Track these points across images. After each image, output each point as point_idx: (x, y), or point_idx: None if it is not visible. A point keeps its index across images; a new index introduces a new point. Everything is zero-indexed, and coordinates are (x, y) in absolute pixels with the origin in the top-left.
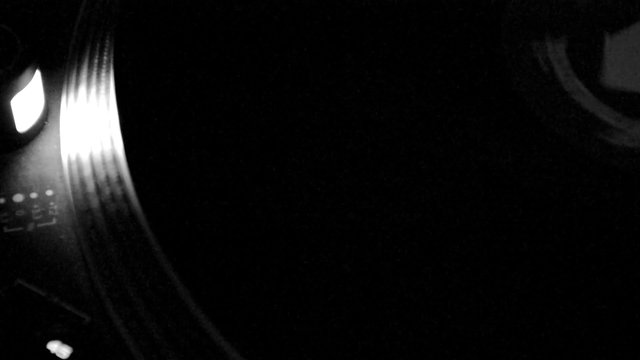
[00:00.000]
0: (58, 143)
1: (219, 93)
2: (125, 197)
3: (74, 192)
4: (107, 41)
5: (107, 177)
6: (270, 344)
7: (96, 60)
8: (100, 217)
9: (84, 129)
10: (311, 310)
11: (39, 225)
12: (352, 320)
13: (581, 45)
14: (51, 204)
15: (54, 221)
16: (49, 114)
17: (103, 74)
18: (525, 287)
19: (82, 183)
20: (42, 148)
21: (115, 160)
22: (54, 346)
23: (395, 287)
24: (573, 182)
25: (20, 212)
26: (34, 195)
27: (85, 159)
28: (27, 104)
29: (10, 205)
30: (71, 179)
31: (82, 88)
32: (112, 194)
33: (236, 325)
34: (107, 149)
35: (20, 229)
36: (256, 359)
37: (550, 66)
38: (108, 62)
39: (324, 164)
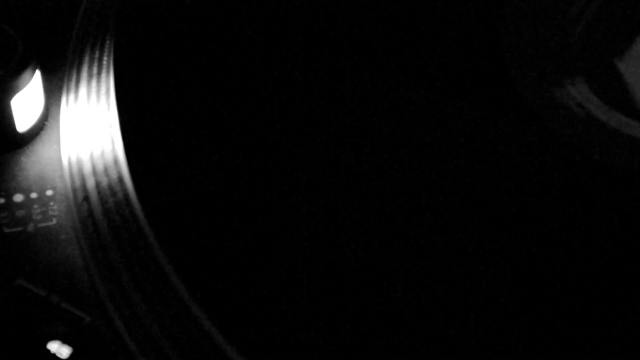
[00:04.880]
0: (58, 143)
1: (218, 93)
2: (125, 196)
3: (74, 192)
4: (107, 41)
5: (107, 177)
6: (270, 344)
7: (96, 60)
8: (100, 216)
9: (84, 128)
10: (311, 310)
11: (39, 225)
12: (352, 320)
13: (600, 78)
14: (51, 204)
15: (54, 221)
16: (49, 114)
17: (103, 74)
18: (525, 287)
19: (82, 183)
20: (42, 148)
21: (115, 159)
22: (54, 346)
23: (394, 287)
24: None
25: (20, 212)
26: (34, 195)
27: (85, 158)
28: (27, 104)
29: (10, 205)
30: (71, 179)
31: (82, 88)
32: (112, 194)
33: (236, 325)
34: (107, 148)
35: (20, 229)
36: (256, 358)
37: (584, 109)
38: (108, 62)
39: (323, 163)
